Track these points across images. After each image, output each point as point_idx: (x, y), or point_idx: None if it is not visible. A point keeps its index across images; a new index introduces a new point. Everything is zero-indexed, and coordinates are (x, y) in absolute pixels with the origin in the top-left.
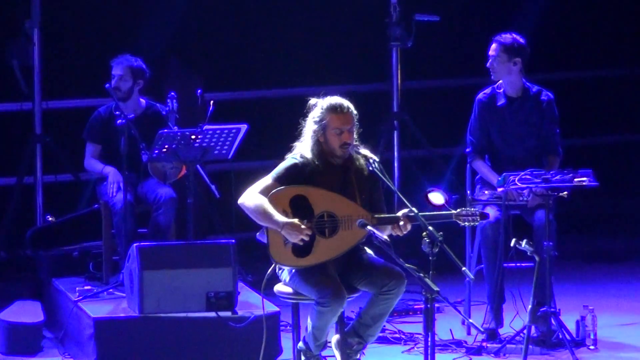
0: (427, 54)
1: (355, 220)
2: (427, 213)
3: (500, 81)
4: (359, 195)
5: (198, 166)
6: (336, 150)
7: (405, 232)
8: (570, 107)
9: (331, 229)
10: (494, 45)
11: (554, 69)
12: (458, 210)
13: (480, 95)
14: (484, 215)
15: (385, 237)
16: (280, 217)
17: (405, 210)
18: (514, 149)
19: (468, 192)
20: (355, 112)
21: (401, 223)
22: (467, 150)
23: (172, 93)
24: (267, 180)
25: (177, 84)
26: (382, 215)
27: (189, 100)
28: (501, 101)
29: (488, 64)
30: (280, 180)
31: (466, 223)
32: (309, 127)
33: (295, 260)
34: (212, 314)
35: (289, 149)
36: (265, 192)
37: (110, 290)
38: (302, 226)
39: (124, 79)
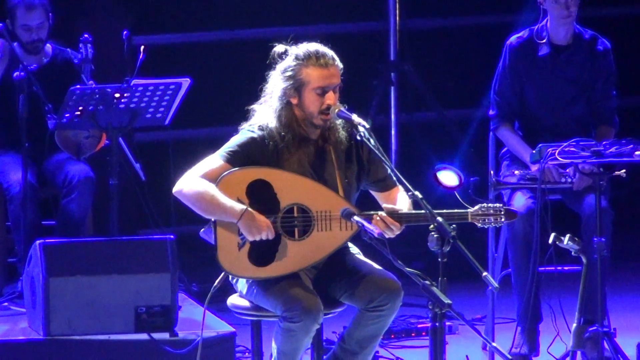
0: None
1: (336, 217)
2: (424, 212)
3: (545, 22)
4: (340, 180)
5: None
6: (314, 116)
7: (390, 233)
8: (627, 55)
9: (302, 228)
10: None
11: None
12: (475, 207)
13: (513, 40)
14: (512, 214)
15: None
16: (236, 204)
17: (389, 207)
18: (556, 116)
19: (492, 171)
20: (340, 65)
21: (382, 214)
22: (491, 113)
23: (86, 35)
24: (213, 160)
25: (94, 23)
26: (370, 213)
27: (111, 45)
28: (543, 50)
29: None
30: (232, 160)
31: (485, 225)
32: (276, 84)
33: (252, 270)
34: (144, 336)
35: (245, 114)
36: (210, 176)
37: (5, 304)
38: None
39: (44, 26)
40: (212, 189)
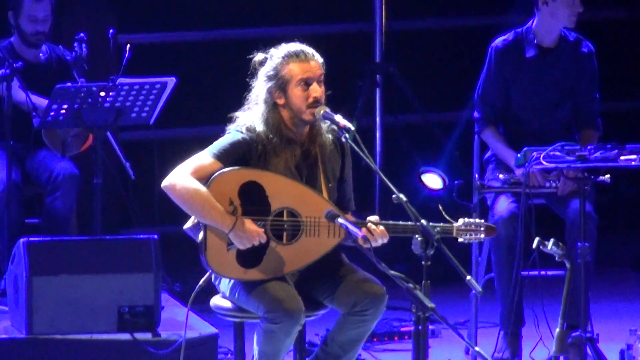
0: None
1: (324, 224)
2: (410, 223)
3: (532, 23)
4: (325, 184)
5: (109, 134)
6: (303, 111)
7: (378, 242)
8: (610, 58)
9: (291, 232)
10: None
11: None
12: (459, 222)
13: (498, 42)
14: (492, 230)
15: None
16: (226, 215)
17: (373, 218)
18: (541, 119)
19: (476, 175)
20: (321, 59)
21: (371, 225)
22: (476, 116)
23: (82, 34)
24: (203, 157)
25: (79, 20)
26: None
27: (95, 43)
28: (530, 52)
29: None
30: (222, 158)
31: (466, 240)
32: (260, 88)
33: (239, 271)
34: (126, 336)
35: (230, 114)
36: (200, 173)
37: None
38: (260, 229)
39: (48, 19)
40: (204, 193)
